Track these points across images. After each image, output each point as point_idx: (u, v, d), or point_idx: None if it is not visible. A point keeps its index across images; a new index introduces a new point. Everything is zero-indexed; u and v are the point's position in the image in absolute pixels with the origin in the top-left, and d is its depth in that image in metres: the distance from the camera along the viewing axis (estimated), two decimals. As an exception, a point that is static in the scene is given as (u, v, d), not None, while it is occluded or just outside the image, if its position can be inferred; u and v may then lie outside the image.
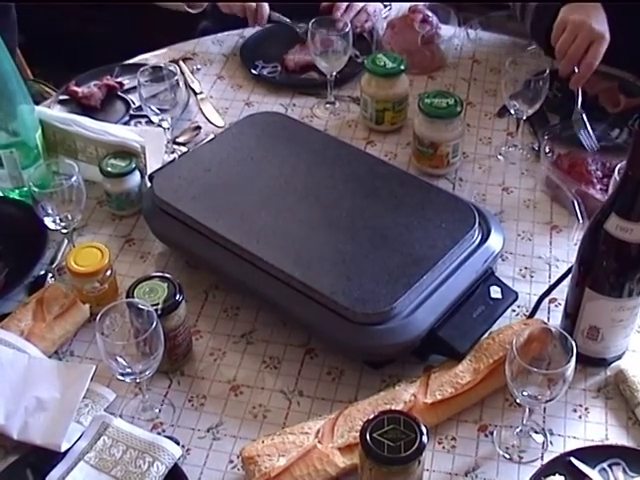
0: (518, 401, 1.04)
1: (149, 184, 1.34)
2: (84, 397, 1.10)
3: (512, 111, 1.48)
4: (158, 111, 1.46)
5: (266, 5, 1.78)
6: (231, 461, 1.08)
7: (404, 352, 1.14)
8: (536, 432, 1.09)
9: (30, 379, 1.12)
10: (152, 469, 1.03)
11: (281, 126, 1.43)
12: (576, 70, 1.46)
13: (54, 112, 1.54)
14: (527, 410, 1.06)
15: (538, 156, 1.49)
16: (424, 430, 0.94)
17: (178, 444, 1.07)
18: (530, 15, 1.59)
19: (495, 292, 1.19)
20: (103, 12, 2.67)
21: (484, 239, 1.23)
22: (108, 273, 1.23)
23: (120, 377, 1.05)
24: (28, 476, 1.04)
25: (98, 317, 1.03)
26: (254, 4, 1.77)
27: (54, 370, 1.13)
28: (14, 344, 1.16)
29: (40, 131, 1.41)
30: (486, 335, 1.15)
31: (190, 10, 1.84)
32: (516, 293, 1.22)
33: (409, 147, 1.54)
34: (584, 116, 1.49)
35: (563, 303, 1.18)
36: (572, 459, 1.04)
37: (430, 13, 1.75)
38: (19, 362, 1.13)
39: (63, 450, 1.05)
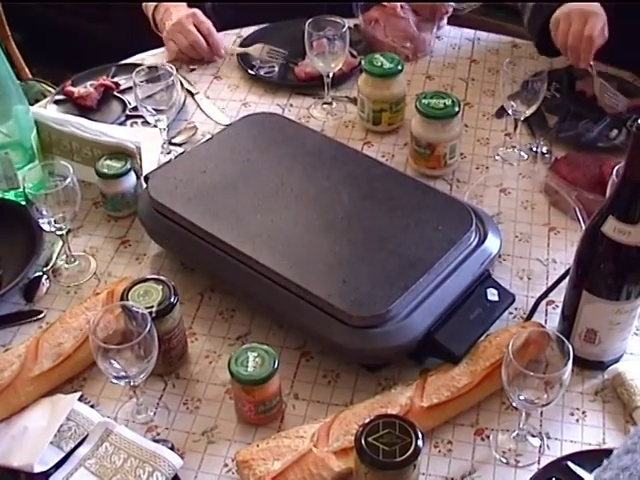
0: (515, 405, 1.03)
1: (145, 185, 1.34)
2: (69, 419, 1.09)
3: (510, 112, 1.48)
4: (154, 111, 1.45)
5: (220, 38, 1.76)
6: (226, 465, 1.07)
7: (400, 355, 1.14)
8: (533, 436, 1.09)
9: (23, 413, 1.11)
10: (151, 479, 1.02)
11: (278, 127, 1.43)
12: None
13: (49, 113, 1.54)
14: (524, 414, 1.05)
15: (536, 157, 1.49)
16: (419, 434, 0.94)
17: (173, 449, 1.07)
18: (527, 12, 1.63)
19: (492, 294, 1.19)
20: (101, 11, 2.68)
21: (481, 241, 1.22)
22: None
23: (114, 380, 1.04)
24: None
25: (92, 320, 1.03)
26: (204, 42, 1.74)
27: (47, 403, 1.12)
28: None
29: (35, 132, 1.40)
30: (483, 338, 1.15)
31: None
32: (513, 295, 1.21)
33: (406, 148, 1.53)
34: (603, 81, 1.53)
35: (561, 306, 1.18)
36: (569, 463, 1.03)
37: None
38: None
39: (36, 471, 1.04)
